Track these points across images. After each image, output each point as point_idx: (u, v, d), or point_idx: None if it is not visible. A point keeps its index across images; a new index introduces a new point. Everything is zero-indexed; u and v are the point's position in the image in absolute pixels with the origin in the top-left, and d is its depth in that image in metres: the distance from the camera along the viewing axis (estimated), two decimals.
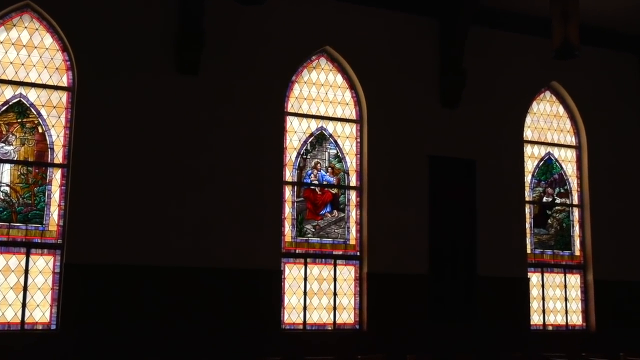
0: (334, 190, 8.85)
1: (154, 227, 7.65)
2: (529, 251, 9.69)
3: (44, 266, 7.40)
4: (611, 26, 10.15)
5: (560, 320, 9.80)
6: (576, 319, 9.90)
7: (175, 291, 7.63)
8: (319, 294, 8.50)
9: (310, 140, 8.80)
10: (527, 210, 9.76)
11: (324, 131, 8.90)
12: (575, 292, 9.97)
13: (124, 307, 7.43)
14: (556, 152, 10.20)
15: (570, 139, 10.33)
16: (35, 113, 7.61)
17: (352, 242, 8.78)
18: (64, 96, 7.73)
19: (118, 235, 7.50)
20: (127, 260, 7.49)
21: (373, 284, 8.57)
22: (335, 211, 8.80)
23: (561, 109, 10.33)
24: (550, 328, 9.70)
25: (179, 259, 7.70)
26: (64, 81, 7.76)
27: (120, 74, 7.76)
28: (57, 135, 7.66)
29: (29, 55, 7.66)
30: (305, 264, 8.47)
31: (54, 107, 7.70)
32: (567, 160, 10.27)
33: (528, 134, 10.03)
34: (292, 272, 8.42)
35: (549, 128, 10.22)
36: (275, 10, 8.53)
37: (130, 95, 7.78)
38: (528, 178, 9.90)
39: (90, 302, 7.32)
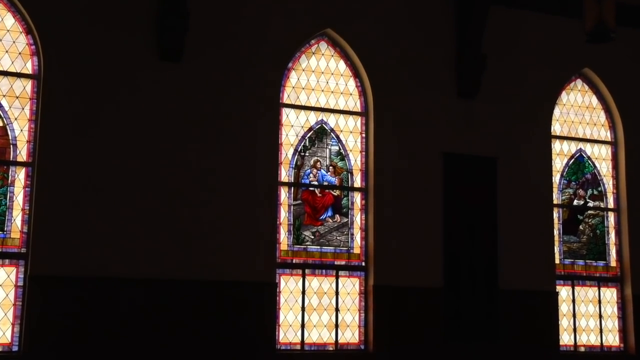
0: (336, 192, 8.84)
1: (131, 235, 7.63)
2: (557, 261, 9.67)
3: (5, 279, 7.33)
4: None
5: (593, 340, 9.76)
6: (612, 339, 9.86)
7: (155, 307, 7.60)
8: (319, 310, 8.49)
9: (309, 135, 8.79)
10: (555, 214, 9.75)
11: (324, 125, 8.89)
12: (611, 309, 9.92)
13: (97, 325, 7.38)
14: (589, 149, 10.18)
15: (605, 134, 10.30)
16: None
17: (357, 250, 8.77)
18: (28, 85, 7.67)
19: (90, 243, 7.47)
20: (101, 272, 7.46)
21: (380, 298, 8.55)
22: (337, 216, 8.78)
23: (594, 100, 10.31)
24: (582, 349, 9.65)
25: (159, 271, 7.68)
26: (29, 68, 7.70)
27: (93, 60, 7.71)
28: (21, 129, 7.60)
29: None
30: (304, 276, 8.46)
31: (17, 98, 7.63)
32: (602, 158, 10.23)
33: (556, 128, 10.01)
34: (289, 285, 8.41)
35: (581, 121, 10.19)
36: None
37: (104, 85, 7.74)
38: (556, 178, 9.87)
39: (58, 319, 7.26)
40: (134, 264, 7.57)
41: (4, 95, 7.55)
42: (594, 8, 6.63)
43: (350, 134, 8.96)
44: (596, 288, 9.84)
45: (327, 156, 8.83)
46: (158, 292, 7.62)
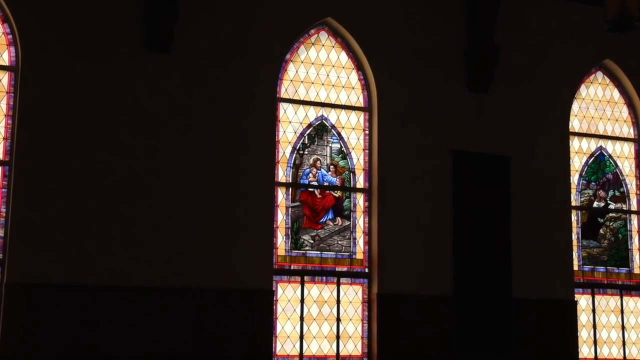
0: (337, 193, 8.77)
1: (115, 239, 7.59)
2: (576, 268, 9.66)
3: None
4: None
5: (616, 353, 9.73)
6: (636, 352, 9.82)
7: (140, 317, 7.55)
8: (319, 320, 8.44)
9: (308, 132, 8.77)
10: (573, 217, 9.74)
11: (324, 121, 8.87)
12: (634, 319, 9.89)
13: (77, 335, 7.33)
14: (610, 147, 10.16)
15: (628, 131, 10.30)
16: None
17: (359, 256, 8.74)
18: (4, 77, 7.64)
19: (71, 248, 7.43)
20: (82, 279, 7.43)
21: (385, 307, 8.51)
22: (338, 218, 8.75)
23: (616, 94, 10.29)
24: None
25: (145, 278, 7.64)
26: (5, 59, 7.67)
27: (75, 50, 7.69)
28: None
29: None
30: (302, 283, 8.42)
31: None
32: (624, 157, 10.22)
33: (575, 124, 10.00)
34: (287, 293, 8.37)
35: (601, 117, 10.16)
36: None
37: (87, 77, 7.70)
38: (575, 178, 9.86)
39: (36, 329, 7.22)
40: (119, 271, 7.53)
41: None
42: None
43: (353, 130, 8.91)
44: (618, 297, 9.79)
45: (328, 154, 8.78)
46: (144, 301, 7.57)
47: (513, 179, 9.21)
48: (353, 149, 8.87)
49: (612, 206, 9.98)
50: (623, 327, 9.70)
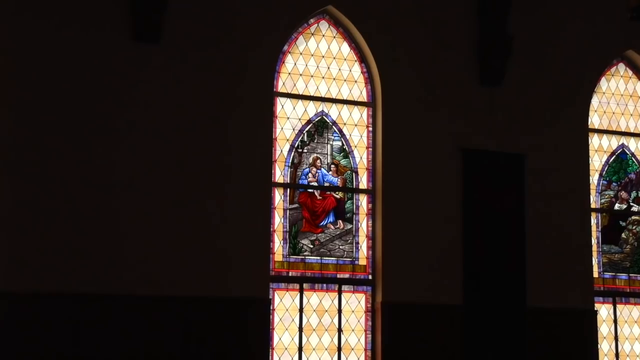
0: (339, 195, 8.75)
1: (100, 243, 7.55)
2: (596, 275, 9.64)
3: None
4: None
5: None
6: None
7: (127, 327, 7.51)
8: (319, 330, 8.43)
9: (307, 129, 8.76)
10: (593, 220, 9.70)
11: (325, 117, 8.86)
12: None
13: (60, 346, 7.28)
14: (632, 144, 10.15)
15: None
16: None
17: (362, 262, 8.74)
18: None
19: (47, 254, 7.37)
20: (66, 288, 7.39)
21: (389, 317, 8.49)
22: (339, 222, 8.74)
23: (639, 87, 10.22)
24: None
25: (132, 286, 7.59)
26: None
27: (56, 40, 7.66)
28: None
29: None
30: (301, 291, 8.42)
31: None
32: None
33: (595, 120, 9.97)
34: (284, 302, 8.37)
35: (623, 112, 10.16)
36: None
37: (70, 69, 7.68)
38: (595, 178, 9.84)
39: (10, 340, 7.17)
40: (99, 279, 7.48)
41: None
42: None
43: (355, 127, 8.90)
44: None
45: (329, 153, 8.77)
46: (131, 310, 7.52)
47: (528, 179, 9.17)
48: (355, 147, 8.85)
49: (634, 208, 9.95)
50: None
